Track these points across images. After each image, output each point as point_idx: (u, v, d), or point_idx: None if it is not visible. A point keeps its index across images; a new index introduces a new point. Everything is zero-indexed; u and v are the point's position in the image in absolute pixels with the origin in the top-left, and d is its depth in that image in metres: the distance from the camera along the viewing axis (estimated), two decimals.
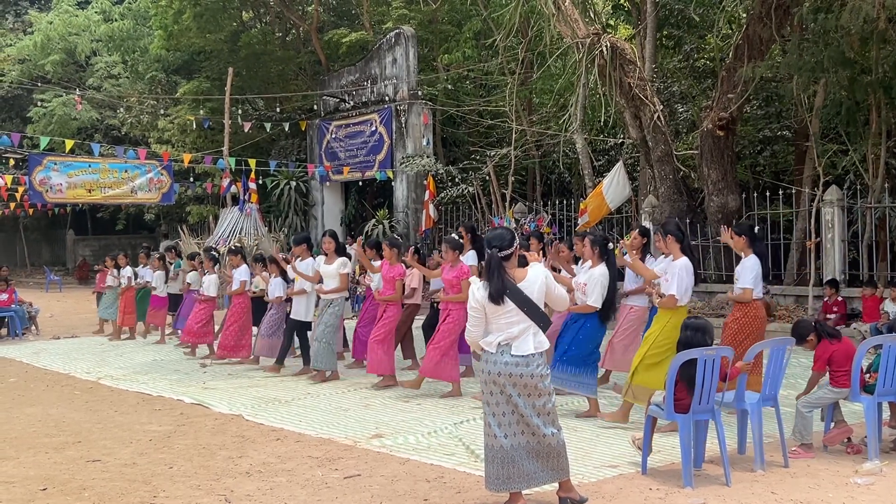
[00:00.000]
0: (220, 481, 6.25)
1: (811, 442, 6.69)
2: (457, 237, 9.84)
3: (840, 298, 13.11)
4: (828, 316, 12.71)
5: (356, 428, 7.94)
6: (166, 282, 15.04)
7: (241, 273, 12.33)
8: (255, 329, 12.53)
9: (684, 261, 7.50)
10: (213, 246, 18.27)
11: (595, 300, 8.01)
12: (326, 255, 10.52)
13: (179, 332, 14.04)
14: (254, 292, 12.41)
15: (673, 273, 7.48)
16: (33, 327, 16.70)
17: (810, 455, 6.58)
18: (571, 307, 8.09)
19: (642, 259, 9.17)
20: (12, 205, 29.90)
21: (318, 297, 10.91)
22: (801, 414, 6.74)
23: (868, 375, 6.71)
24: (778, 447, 6.51)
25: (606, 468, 6.38)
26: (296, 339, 11.45)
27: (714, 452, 6.40)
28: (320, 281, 10.64)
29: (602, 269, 8.08)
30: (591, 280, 8.06)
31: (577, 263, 10.02)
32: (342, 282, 10.42)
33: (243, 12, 27.45)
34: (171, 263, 15.71)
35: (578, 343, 8.14)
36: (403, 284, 10.27)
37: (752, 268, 7.87)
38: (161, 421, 8.51)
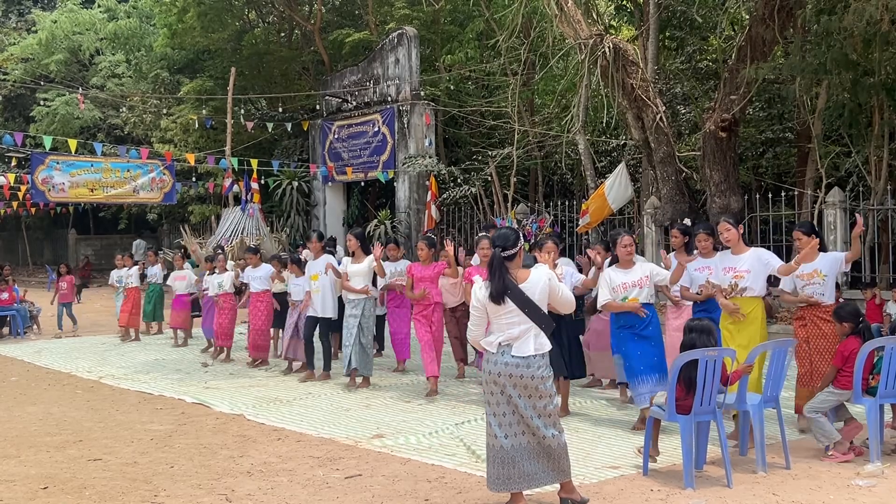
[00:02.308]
0: (221, 481, 6.25)
1: (839, 438, 6.62)
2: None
3: (841, 300, 13.06)
4: None
5: (357, 428, 7.94)
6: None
7: (266, 271, 12.26)
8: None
9: (760, 249, 7.38)
10: (222, 245, 18.27)
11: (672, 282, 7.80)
12: (353, 254, 10.33)
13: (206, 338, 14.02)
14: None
15: (764, 259, 7.27)
16: (35, 326, 16.73)
17: (848, 457, 6.49)
18: (681, 296, 7.94)
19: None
20: (15, 204, 29.90)
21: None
22: (812, 421, 6.69)
23: (870, 377, 6.70)
24: (779, 449, 6.51)
25: (607, 469, 6.38)
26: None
27: (715, 454, 6.40)
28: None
29: (651, 265, 7.99)
30: (654, 269, 7.79)
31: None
32: (379, 273, 10.25)
33: (247, 12, 27.42)
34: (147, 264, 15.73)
35: (658, 350, 7.74)
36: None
37: (837, 256, 7.66)
38: (162, 420, 8.52)
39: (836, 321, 7.00)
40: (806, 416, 6.78)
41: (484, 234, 9.49)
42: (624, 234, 7.95)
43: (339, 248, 16.84)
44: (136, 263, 16.53)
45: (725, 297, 7.34)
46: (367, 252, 10.32)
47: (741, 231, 7.46)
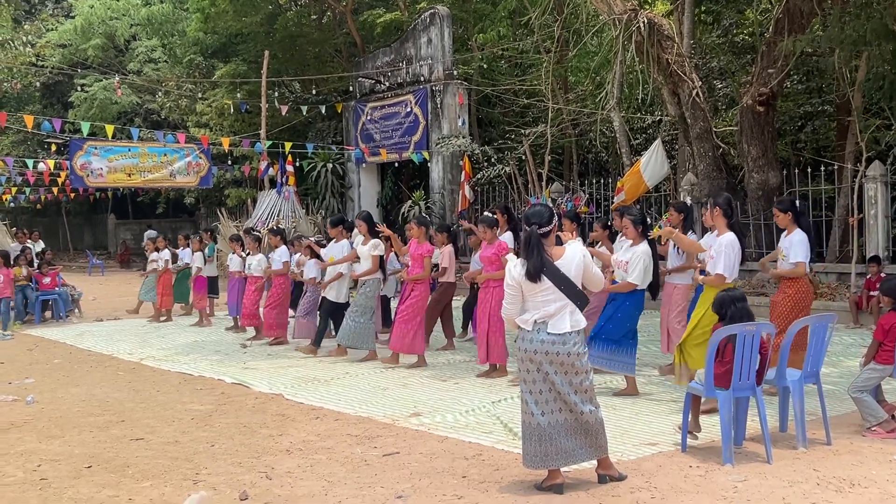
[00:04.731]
0: (261, 459, 6.32)
1: (886, 416, 6.53)
2: (491, 215, 9.80)
3: (884, 275, 12.90)
4: (871, 293, 12.53)
5: (394, 406, 7.98)
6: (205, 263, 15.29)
7: (281, 254, 12.42)
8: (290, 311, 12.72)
9: (731, 237, 7.40)
10: (253, 227, 18.41)
11: (636, 277, 7.98)
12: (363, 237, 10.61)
13: (231, 316, 14.34)
14: (293, 273, 12.51)
15: (719, 250, 7.38)
16: (76, 310, 16.97)
17: (893, 434, 6.40)
18: (609, 287, 8.08)
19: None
20: (55, 190, 30.35)
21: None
22: (856, 401, 6.61)
23: None
24: (820, 425, 6.44)
25: (646, 446, 6.35)
26: (330, 320, 11.60)
27: (755, 430, 6.35)
28: (357, 261, 10.77)
29: (645, 247, 8.07)
30: (634, 257, 8.03)
31: (613, 241, 10.01)
32: (374, 263, 10.48)
33: None
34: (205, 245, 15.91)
35: (616, 321, 8.12)
36: (431, 262, 10.33)
37: (801, 242, 7.76)
38: (202, 400, 8.62)
39: (882, 295, 6.97)
40: (851, 396, 6.70)
41: (487, 216, 9.63)
42: (625, 215, 8.32)
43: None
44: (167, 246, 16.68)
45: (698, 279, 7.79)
46: (373, 234, 10.55)
47: (718, 212, 7.54)
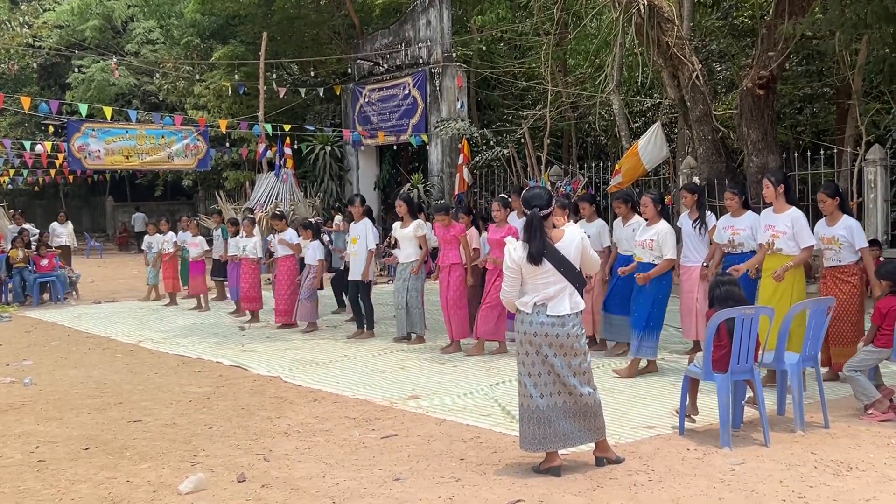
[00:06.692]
0: (259, 441, 6.33)
1: (878, 396, 6.51)
2: (507, 197, 9.79)
3: (882, 259, 12.88)
4: None
5: (393, 389, 7.99)
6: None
7: (289, 237, 12.37)
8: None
9: (798, 211, 7.49)
10: (252, 209, 18.40)
11: (673, 252, 8.05)
12: (402, 219, 10.54)
13: (231, 300, 14.41)
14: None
15: (800, 226, 7.36)
16: (74, 292, 16.97)
17: (888, 416, 6.39)
18: (650, 273, 8.04)
19: (702, 215, 8.98)
20: (53, 172, 30.25)
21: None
22: (851, 379, 6.62)
23: None
24: (818, 408, 6.44)
25: (643, 429, 6.36)
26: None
27: (753, 413, 6.35)
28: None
29: (666, 224, 8.14)
30: (661, 235, 8.06)
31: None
32: (421, 244, 10.43)
33: None
34: (215, 228, 15.92)
35: (660, 305, 8.17)
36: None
37: (858, 225, 7.61)
38: (200, 383, 8.62)
39: (877, 279, 6.96)
40: (846, 375, 6.71)
41: (503, 196, 9.65)
42: (645, 194, 8.36)
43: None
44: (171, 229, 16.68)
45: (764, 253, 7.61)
46: (414, 216, 10.54)
47: (781, 189, 7.42)
